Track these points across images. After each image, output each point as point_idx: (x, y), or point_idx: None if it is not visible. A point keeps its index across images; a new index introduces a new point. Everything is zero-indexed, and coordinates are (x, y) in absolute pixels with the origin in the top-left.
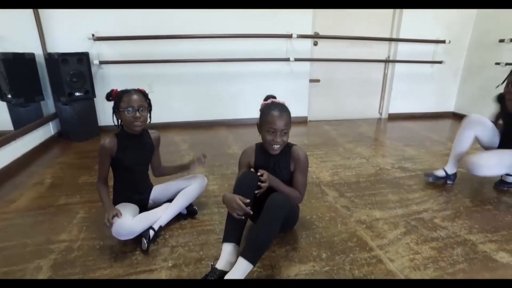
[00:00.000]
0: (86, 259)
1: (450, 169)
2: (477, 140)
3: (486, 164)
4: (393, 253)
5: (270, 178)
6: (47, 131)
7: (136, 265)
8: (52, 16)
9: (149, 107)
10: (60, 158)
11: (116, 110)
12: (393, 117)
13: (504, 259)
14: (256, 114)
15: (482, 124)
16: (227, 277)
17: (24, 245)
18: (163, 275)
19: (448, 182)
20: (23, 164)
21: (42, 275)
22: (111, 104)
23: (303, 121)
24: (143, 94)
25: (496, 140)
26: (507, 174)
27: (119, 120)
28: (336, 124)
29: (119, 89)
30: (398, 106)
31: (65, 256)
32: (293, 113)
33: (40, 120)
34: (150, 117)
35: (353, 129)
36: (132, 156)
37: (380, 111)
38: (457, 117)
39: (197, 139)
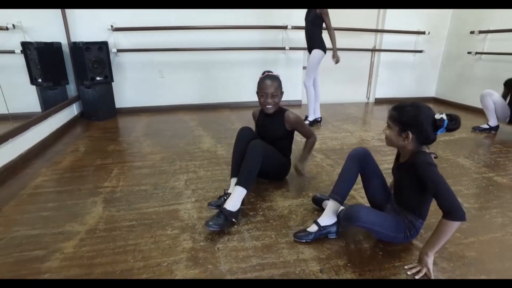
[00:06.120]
0: (128, 197)
1: (493, 122)
2: (495, 108)
3: None
4: (363, 193)
5: (303, 165)
6: (71, 111)
7: (167, 201)
8: (75, 9)
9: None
10: (87, 132)
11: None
12: (379, 101)
13: None
14: (256, 97)
15: (492, 93)
16: (229, 199)
17: (78, 189)
18: (189, 206)
19: (492, 131)
20: (57, 137)
21: (98, 206)
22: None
23: (297, 104)
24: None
25: (506, 113)
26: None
27: None
28: (327, 107)
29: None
30: (383, 91)
31: (111, 195)
32: (288, 97)
33: (66, 102)
34: None
35: (342, 111)
36: None
37: (368, 96)
38: (438, 102)
39: (204, 118)
